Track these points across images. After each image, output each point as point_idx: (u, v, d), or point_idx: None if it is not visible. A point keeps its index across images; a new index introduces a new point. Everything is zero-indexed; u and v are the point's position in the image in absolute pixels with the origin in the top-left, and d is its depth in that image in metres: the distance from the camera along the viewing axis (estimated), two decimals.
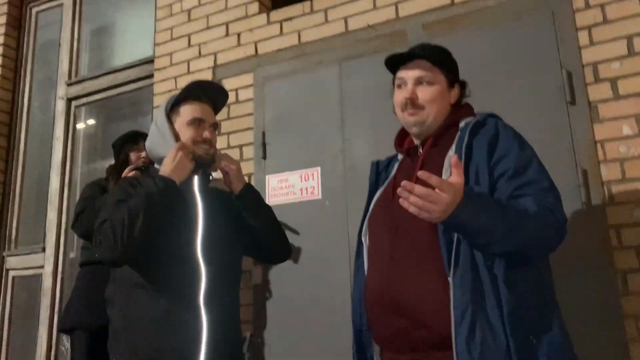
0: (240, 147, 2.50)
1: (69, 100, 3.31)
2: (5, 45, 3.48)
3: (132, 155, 2.41)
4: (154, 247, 1.56)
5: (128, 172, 2.13)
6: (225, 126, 2.56)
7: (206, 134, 1.73)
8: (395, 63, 1.48)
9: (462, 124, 1.40)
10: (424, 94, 1.41)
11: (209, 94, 1.80)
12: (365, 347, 1.43)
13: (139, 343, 1.54)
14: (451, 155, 1.31)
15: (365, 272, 1.44)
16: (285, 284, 2.25)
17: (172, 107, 1.76)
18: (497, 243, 1.16)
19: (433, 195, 1.10)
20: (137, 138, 2.43)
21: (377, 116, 2.20)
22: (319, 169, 2.29)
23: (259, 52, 2.56)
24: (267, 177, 2.39)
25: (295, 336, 2.18)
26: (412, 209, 1.12)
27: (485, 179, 1.26)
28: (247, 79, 2.56)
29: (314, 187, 2.28)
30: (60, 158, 3.21)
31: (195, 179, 1.74)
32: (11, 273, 3.20)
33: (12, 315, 3.15)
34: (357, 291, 1.47)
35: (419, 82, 1.42)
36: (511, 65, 2.00)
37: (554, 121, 1.87)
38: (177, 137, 1.73)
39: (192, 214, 1.65)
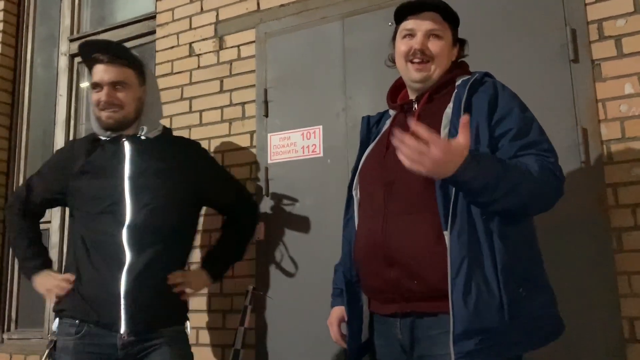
0: (243, 104, 2.50)
1: (72, 57, 3.30)
2: (6, 0, 3.44)
3: None
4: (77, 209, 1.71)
5: None
6: (227, 83, 2.56)
7: (102, 95, 1.69)
8: (403, 13, 1.46)
9: (458, 82, 1.41)
10: (434, 46, 1.41)
11: (107, 51, 1.74)
12: (356, 298, 1.48)
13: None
14: (449, 112, 1.32)
15: (356, 226, 1.46)
16: (287, 239, 2.29)
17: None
18: (499, 201, 1.19)
19: (421, 147, 1.11)
20: None
21: (380, 74, 2.18)
22: (320, 127, 2.29)
23: (261, 7, 2.53)
24: (269, 135, 2.39)
25: (296, 290, 2.23)
26: (406, 162, 1.14)
27: (486, 136, 1.28)
28: (250, 35, 2.54)
29: (315, 145, 2.29)
30: (64, 115, 3.22)
31: (125, 144, 1.74)
32: None
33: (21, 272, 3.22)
34: (346, 244, 1.51)
35: (428, 34, 1.41)
36: (514, 22, 1.97)
37: (556, 79, 1.86)
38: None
39: (118, 178, 1.69)
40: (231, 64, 2.57)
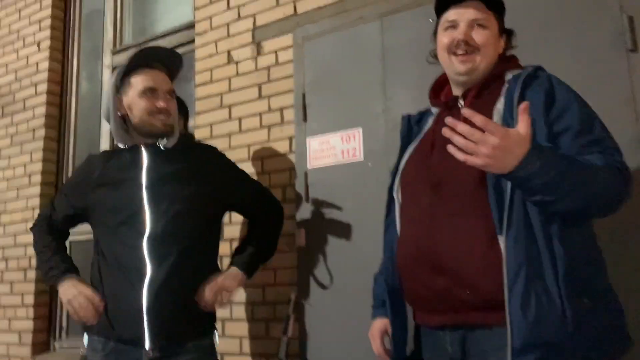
0: (281, 110, 2.47)
1: (115, 69, 3.36)
2: (53, 17, 3.55)
3: None
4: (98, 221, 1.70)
5: None
6: (265, 89, 2.53)
7: (160, 103, 1.68)
8: (444, 4, 1.37)
9: (508, 76, 1.31)
10: (479, 36, 1.31)
11: (159, 60, 1.74)
12: (400, 308, 1.39)
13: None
14: (500, 108, 1.23)
15: (398, 230, 1.38)
16: (328, 246, 2.23)
17: (123, 79, 1.72)
18: (561, 201, 1.08)
19: (477, 134, 1.02)
20: None
21: (421, 73, 2.10)
22: (360, 129, 2.23)
23: (298, 11, 2.49)
24: (307, 139, 2.35)
25: (339, 298, 2.17)
26: (459, 155, 1.04)
27: (543, 132, 1.17)
28: (287, 40, 2.51)
29: (355, 149, 2.23)
30: (108, 126, 3.28)
31: (144, 152, 1.71)
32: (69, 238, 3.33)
33: None
34: (387, 250, 1.42)
35: (472, 24, 1.32)
36: (564, 11, 1.85)
37: (612, 70, 1.73)
38: (122, 110, 1.71)
39: (135, 188, 1.67)
40: (269, 70, 2.54)
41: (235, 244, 2.47)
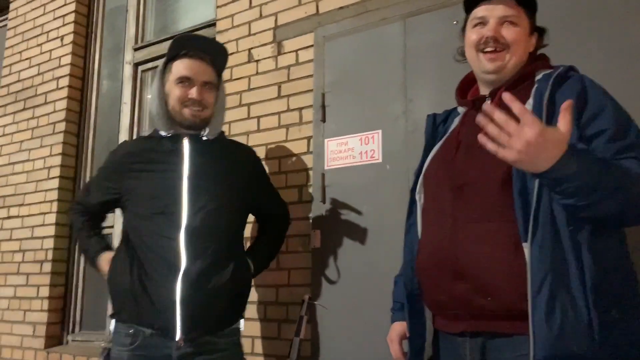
0: (300, 109, 2.45)
1: (136, 65, 3.38)
2: (76, 12, 3.58)
3: None
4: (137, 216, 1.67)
5: None
6: (285, 89, 2.52)
7: (192, 92, 1.65)
8: (473, 0, 1.34)
9: (538, 76, 1.26)
10: (509, 33, 1.27)
11: (202, 49, 1.71)
12: (418, 312, 1.36)
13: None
14: (529, 108, 1.18)
15: (419, 233, 1.34)
16: (344, 248, 2.21)
17: (167, 65, 1.72)
18: (595, 206, 1.03)
19: (512, 126, 0.97)
20: None
21: (443, 75, 2.08)
22: (380, 131, 2.20)
23: (320, 10, 2.48)
24: (326, 140, 2.33)
25: (353, 300, 2.14)
26: (489, 146, 1.00)
27: (574, 137, 1.11)
28: (308, 39, 2.49)
29: (374, 151, 2.20)
30: (128, 122, 3.30)
31: (185, 142, 1.69)
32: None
33: (86, 272, 3.31)
34: (408, 253, 1.39)
35: (502, 21, 1.28)
36: (598, 8, 1.78)
37: None
38: (165, 96, 1.69)
39: (176, 178, 1.65)
40: (289, 69, 2.53)
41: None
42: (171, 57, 1.71)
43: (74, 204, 1.92)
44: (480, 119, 1.01)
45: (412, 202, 1.41)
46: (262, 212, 1.99)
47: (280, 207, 2.04)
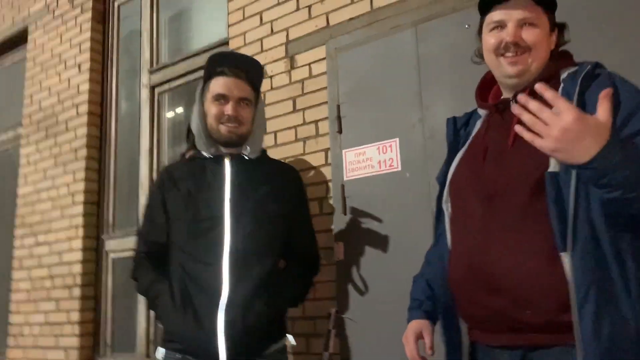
0: (316, 122, 2.46)
1: (152, 88, 3.43)
2: (92, 39, 3.66)
3: None
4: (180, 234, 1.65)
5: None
6: (300, 102, 2.53)
7: (227, 109, 1.65)
8: (488, 3, 1.29)
9: (563, 75, 1.22)
10: (530, 35, 1.22)
11: (236, 66, 1.70)
12: (454, 325, 1.31)
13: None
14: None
15: (449, 242, 1.30)
16: (368, 259, 2.19)
17: (205, 84, 1.72)
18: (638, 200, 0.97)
19: (546, 113, 0.92)
20: None
21: (458, 80, 2.06)
22: (397, 140, 2.19)
23: (331, 23, 2.48)
24: (343, 151, 2.32)
25: (381, 311, 2.12)
26: (526, 135, 0.95)
27: None
28: (320, 52, 2.50)
29: (392, 159, 2.19)
30: (147, 144, 3.34)
31: (227, 162, 1.68)
32: (111, 255, 3.40)
33: (114, 295, 3.35)
34: (438, 264, 1.35)
35: (521, 24, 1.23)
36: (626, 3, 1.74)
37: None
38: (204, 115, 1.70)
39: (218, 200, 1.63)
40: (303, 83, 2.54)
41: None
42: (208, 76, 1.72)
43: (137, 258, 1.80)
44: (515, 108, 0.97)
45: (439, 211, 1.37)
46: (292, 246, 1.81)
47: (311, 244, 1.89)
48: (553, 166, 1.09)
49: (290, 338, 1.73)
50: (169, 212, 1.70)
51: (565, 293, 1.03)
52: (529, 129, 0.96)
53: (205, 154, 1.73)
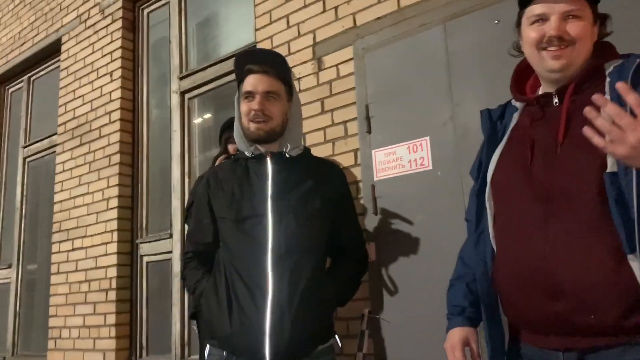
0: (345, 123, 2.45)
1: (182, 94, 3.48)
2: (123, 47, 3.73)
3: (230, 146, 2.42)
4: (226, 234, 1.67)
5: (219, 161, 2.16)
6: (328, 104, 2.53)
7: (254, 105, 1.66)
8: None
9: (609, 69, 1.17)
10: (574, 29, 1.18)
11: (259, 61, 1.70)
12: (499, 328, 1.28)
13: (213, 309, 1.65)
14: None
15: (493, 244, 1.26)
16: (400, 259, 2.18)
17: (239, 86, 1.74)
18: None
19: (627, 118, 0.89)
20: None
21: (488, 76, 2.04)
22: (427, 138, 2.17)
23: (358, 23, 2.48)
24: (373, 151, 2.32)
25: (414, 311, 2.11)
26: (597, 140, 0.93)
27: None
28: (347, 52, 2.50)
29: (423, 158, 2.17)
30: (178, 149, 3.39)
31: (268, 161, 1.68)
32: (145, 259, 3.46)
33: (149, 298, 3.41)
34: (480, 265, 1.30)
35: (565, 16, 1.19)
36: None
37: None
38: (241, 117, 1.73)
39: (260, 198, 1.64)
40: (331, 84, 2.54)
41: None
42: (240, 78, 1.74)
43: (186, 257, 1.85)
44: (587, 111, 0.94)
45: (481, 208, 1.32)
46: (337, 241, 1.82)
47: (359, 238, 1.90)
48: (611, 166, 1.05)
49: (337, 339, 1.73)
50: (215, 212, 1.72)
51: (634, 295, 1.00)
52: (593, 129, 0.93)
53: (247, 153, 1.74)
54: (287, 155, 1.72)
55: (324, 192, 1.71)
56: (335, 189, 1.76)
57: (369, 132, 2.35)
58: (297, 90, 2.65)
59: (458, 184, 2.06)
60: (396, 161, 2.25)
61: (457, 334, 1.38)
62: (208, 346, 1.67)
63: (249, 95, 1.69)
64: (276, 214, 1.62)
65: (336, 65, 2.54)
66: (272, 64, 1.74)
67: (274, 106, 1.69)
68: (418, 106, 2.22)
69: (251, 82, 1.69)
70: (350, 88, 2.46)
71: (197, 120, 3.46)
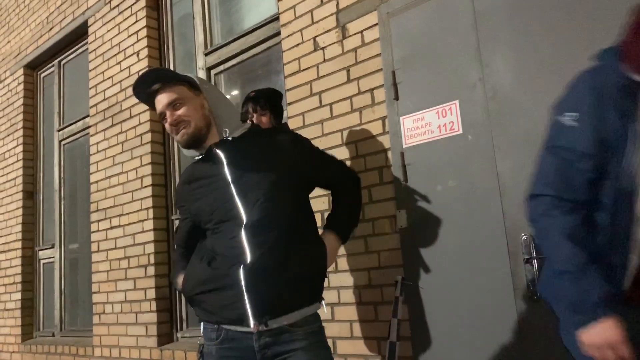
0: (371, 90, 2.42)
1: (208, 70, 3.49)
2: (148, 27, 3.75)
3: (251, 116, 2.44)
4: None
5: None
6: (354, 72, 2.50)
7: (166, 123, 1.70)
8: None
9: None
10: None
11: (147, 83, 1.72)
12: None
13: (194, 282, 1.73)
14: None
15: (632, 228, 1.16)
16: (432, 225, 2.17)
17: None
18: None
19: None
20: (254, 99, 2.44)
21: (519, 34, 1.97)
22: (457, 102, 2.13)
23: None
24: (401, 118, 2.29)
25: (447, 277, 2.11)
26: None
27: None
28: (371, 18, 2.46)
29: (453, 122, 2.13)
30: None
31: (217, 151, 1.72)
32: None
33: None
34: (620, 251, 1.20)
35: None
36: None
37: None
38: None
39: (224, 186, 1.69)
40: (356, 52, 2.51)
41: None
42: (151, 107, 1.79)
43: (175, 253, 2.00)
44: None
45: (622, 189, 1.22)
46: (324, 183, 1.93)
47: (340, 172, 1.94)
48: None
49: (323, 305, 1.75)
50: (191, 211, 1.80)
51: None
52: None
53: (197, 157, 1.80)
54: (230, 139, 1.74)
55: (279, 159, 1.74)
56: (287, 152, 1.77)
57: (397, 98, 2.31)
58: (322, 60, 2.64)
59: (490, 148, 2.02)
60: (425, 127, 2.22)
61: (615, 326, 1.21)
62: (202, 323, 1.74)
63: (162, 115, 1.72)
64: (241, 195, 1.66)
65: (360, 32, 2.50)
66: (156, 76, 1.75)
67: (182, 110, 1.70)
68: (446, 69, 2.17)
69: (156, 105, 1.73)
70: (376, 55, 2.42)
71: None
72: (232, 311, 1.61)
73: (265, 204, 1.65)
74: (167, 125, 1.73)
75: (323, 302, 1.75)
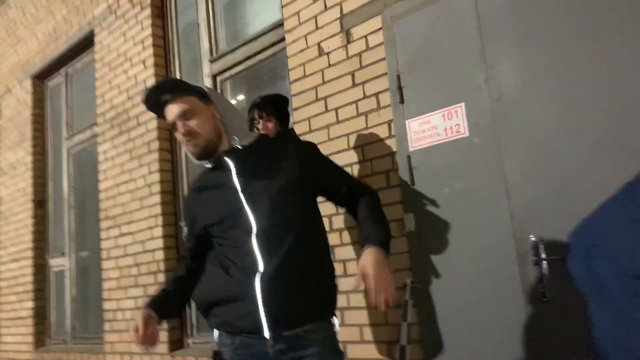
0: (377, 95, 2.43)
1: (214, 77, 3.51)
2: (153, 35, 3.78)
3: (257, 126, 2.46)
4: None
5: None
6: (359, 76, 2.51)
7: (178, 134, 1.72)
8: None
9: None
10: None
11: (158, 94, 1.73)
12: None
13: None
14: None
15: None
16: (439, 228, 2.17)
17: None
18: None
19: None
20: (259, 105, 2.46)
21: (521, 35, 1.98)
22: (462, 104, 2.13)
23: None
24: (406, 122, 2.29)
25: (456, 280, 2.10)
26: None
27: None
28: (376, 22, 2.46)
29: (459, 125, 2.14)
30: None
31: (227, 160, 1.73)
32: None
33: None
34: None
35: None
36: None
37: None
38: None
39: (233, 195, 1.69)
40: (360, 56, 2.52)
41: (344, 234, 2.48)
42: (162, 117, 1.80)
43: (177, 259, 2.02)
44: None
45: None
46: (332, 192, 1.86)
47: (350, 181, 1.90)
48: None
49: (335, 321, 1.74)
50: (199, 220, 1.80)
51: None
52: None
53: (208, 166, 1.81)
54: (240, 147, 1.75)
55: (286, 166, 1.74)
56: (293, 160, 1.77)
57: (402, 102, 2.32)
58: (327, 65, 2.65)
59: (496, 150, 2.02)
60: (431, 130, 2.22)
61: None
62: (215, 331, 1.74)
63: (173, 126, 1.74)
64: (250, 203, 1.67)
65: (365, 37, 2.51)
66: (169, 88, 1.75)
67: (193, 122, 1.71)
68: (451, 72, 2.17)
69: (167, 116, 1.73)
70: (381, 59, 2.43)
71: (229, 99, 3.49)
72: (247, 322, 1.61)
73: (275, 211, 1.66)
74: (178, 135, 1.74)
75: (336, 320, 1.74)
